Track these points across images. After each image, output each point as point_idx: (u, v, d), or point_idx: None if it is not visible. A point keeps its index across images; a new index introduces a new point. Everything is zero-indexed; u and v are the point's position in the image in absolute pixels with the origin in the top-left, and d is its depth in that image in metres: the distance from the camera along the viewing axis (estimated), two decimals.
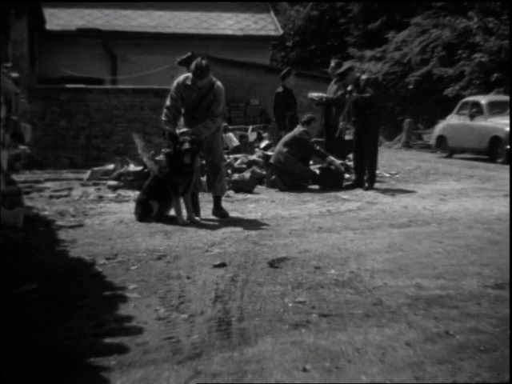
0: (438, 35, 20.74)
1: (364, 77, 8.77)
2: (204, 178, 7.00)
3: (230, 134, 10.51)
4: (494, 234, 5.06)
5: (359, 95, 8.20)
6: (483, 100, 14.75)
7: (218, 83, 6.12)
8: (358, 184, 8.42)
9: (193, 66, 5.80)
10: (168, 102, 6.08)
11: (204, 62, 5.81)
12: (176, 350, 2.52)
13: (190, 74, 5.97)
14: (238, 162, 9.55)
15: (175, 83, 6.07)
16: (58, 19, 17.26)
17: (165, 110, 6.07)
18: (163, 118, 6.03)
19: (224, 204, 6.88)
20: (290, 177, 8.35)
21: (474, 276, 3.70)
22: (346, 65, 9.79)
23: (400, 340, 2.63)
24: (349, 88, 8.39)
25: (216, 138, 6.15)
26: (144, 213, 5.71)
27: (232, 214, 6.06)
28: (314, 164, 9.35)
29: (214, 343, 2.60)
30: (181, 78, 6.10)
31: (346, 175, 9.16)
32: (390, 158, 13.84)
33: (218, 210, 6.10)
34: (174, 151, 5.67)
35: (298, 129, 8.61)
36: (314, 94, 9.55)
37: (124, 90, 13.82)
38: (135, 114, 13.65)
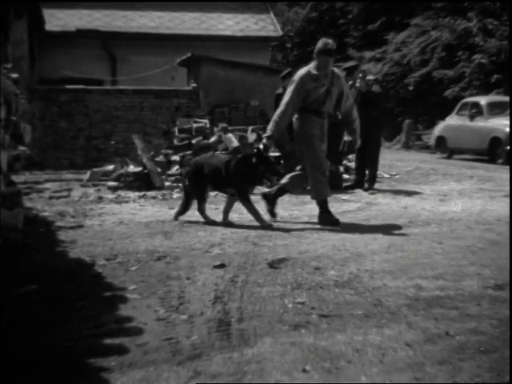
0: (438, 36, 20.76)
1: (371, 77, 8.79)
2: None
3: (230, 135, 10.50)
4: (493, 234, 5.06)
5: (370, 87, 8.23)
6: (483, 101, 14.76)
7: (335, 68, 5.76)
8: (357, 185, 8.43)
9: (320, 44, 5.43)
10: (288, 98, 5.47)
11: (331, 40, 5.49)
12: (176, 351, 2.52)
13: (310, 66, 5.54)
14: None
15: (298, 76, 5.52)
16: (57, 20, 17.26)
17: (283, 108, 5.48)
18: (276, 119, 5.47)
19: (223, 204, 6.88)
20: None
21: (473, 277, 3.69)
22: (354, 62, 9.83)
23: (400, 341, 2.63)
24: (357, 84, 8.36)
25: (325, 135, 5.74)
26: (183, 209, 5.79)
27: (232, 215, 6.05)
28: None
29: (213, 344, 2.59)
30: (302, 70, 5.57)
31: (346, 176, 9.16)
32: (390, 159, 13.83)
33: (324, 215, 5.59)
34: (255, 164, 5.42)
35: None
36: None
37: (124, 91, 13.84)
38: (135, 114, 13.66)
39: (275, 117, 5.54)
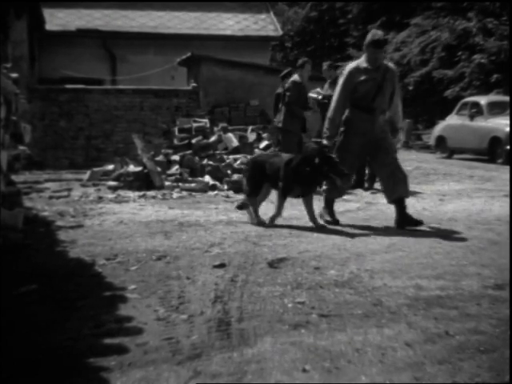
0: (438, 36, 20.75)
1: None
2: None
3: (230, 135, 10.50)
4: (493, 234, 5.06)
5: None
6: (483, 100, 14.75)
7: (389, 63, 5.56)
8: (357, 184, 8.42)
9: (369, 36, 5.23)
10: (337, 93, 5.36)
11: (380, 31, 5.31)
12: (176, 351, 2.52)
13: (361, 59, 5.39)
14: (238, 162, 9.55)
15: (346, 70, 5.40)
16: (57, 19, 17.27)
17: (334, 104, 5.36)
18: (331, 117, 5.35)
19: (224, 205, 6.88)
20: None
21: (473, 276, 3.70)
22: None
23: (400, 340, 2.63)
24: None
25: (388, 132, 5.47)
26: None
27: (232, 215, 6.05)
28: None
29: (213, 344, 2.59)
30: (352, 64, 5.47)
31: None
32: None
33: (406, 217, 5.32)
34: (316, 166, 5.19)
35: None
36: (313, 95, 9.42)
37: (124, 91, 13.85)
38: (135, 114, 13.67)
39: (329, 114, 5.43)
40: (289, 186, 5.36)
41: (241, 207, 5.79)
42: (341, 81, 5.43)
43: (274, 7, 21.74)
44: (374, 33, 5.29)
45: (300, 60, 8.90)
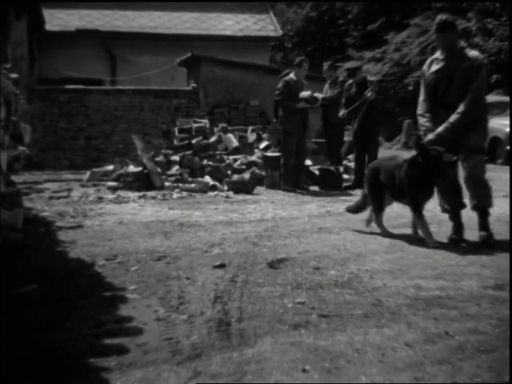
0: None
1: (374, 78, 8.80)
2: None
3: (230, 135, 10.51)
4: (493, 234, 5.05)
5: (377, 96, 8.24)
6: None
7: (473, 51, 4.92)
8: (357, 185, 8.43)
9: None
10: (421, 92, 4.91)
11: (445, 15, 4.78)
12: (176, 351, 2.52)
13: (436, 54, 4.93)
14: (238, 162, 9.56)
15: (424, 67, 4.93)
16: (57, 20, 17.25)
17: (420, 99, 4.90)
18: (418, 112, 4.87)
19: (223, 205, 6.88)
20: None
21: (473, 277, 3.70)
22: (356, 64, 9.83)
23: (400, 340, 2.63)
24: (369, 94, 8.26)
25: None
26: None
27: (232, 215, 6.05)
28: (313, 164, 9.35)
29: (213, 344, 2.59)
30: (426, 62, 5.00)
31: (346, 176, 9.16)
32: None
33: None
34: (424, 165, 4.61)
35: None
36: (305, 94, 8.93)
37: (124, 91, 13.86)
38: (135, 114, 13.68)
39: (417, 111, 4.93)
40: (416, 198, 4.76)
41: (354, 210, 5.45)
42: (421, 81, 5.06)
43: (273, 7, 21.71)
44: (438, 16, 4.84)
45: (298, 58, 8.88)
